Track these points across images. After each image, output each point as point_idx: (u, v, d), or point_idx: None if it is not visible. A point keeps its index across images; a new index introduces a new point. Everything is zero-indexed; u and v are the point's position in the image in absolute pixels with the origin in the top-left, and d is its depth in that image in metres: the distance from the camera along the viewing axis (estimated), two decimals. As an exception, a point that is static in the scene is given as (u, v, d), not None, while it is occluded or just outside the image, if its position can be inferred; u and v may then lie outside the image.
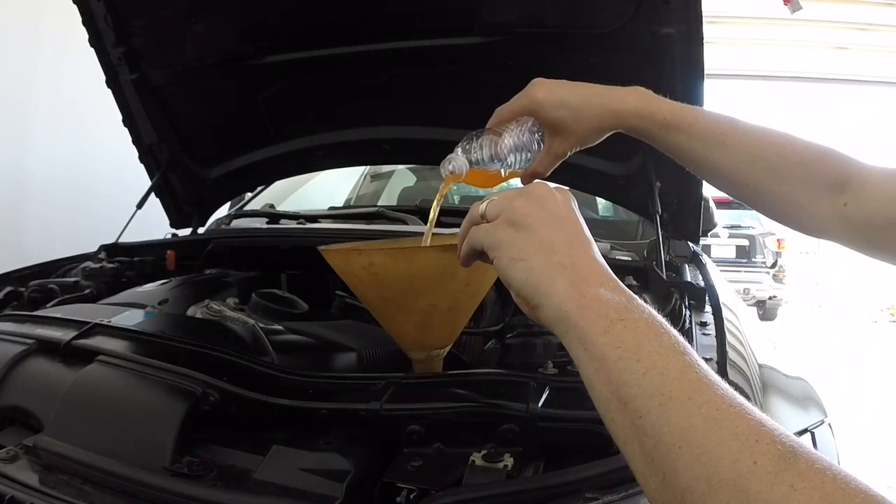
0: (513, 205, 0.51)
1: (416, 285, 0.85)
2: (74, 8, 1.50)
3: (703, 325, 1.07)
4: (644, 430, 0.38)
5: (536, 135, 0.75)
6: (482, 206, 0.53)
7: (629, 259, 1.50)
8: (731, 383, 0.73)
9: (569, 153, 0.76)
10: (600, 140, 0.76)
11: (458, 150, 0.75)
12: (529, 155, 0.76)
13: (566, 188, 0.54)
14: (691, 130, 0.70)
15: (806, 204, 0.65)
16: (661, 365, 0.39)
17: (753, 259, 8.01)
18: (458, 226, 0.58)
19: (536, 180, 0.55)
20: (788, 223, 0.70)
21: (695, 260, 1.52)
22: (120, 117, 1.69)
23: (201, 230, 1.91)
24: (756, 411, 0.36)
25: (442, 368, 0.96)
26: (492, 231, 0.51)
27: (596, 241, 0.51)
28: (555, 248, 0.47)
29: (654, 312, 0.44)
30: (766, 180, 0.67)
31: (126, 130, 1.72)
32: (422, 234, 0.85)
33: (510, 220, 0.50)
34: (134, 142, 1.74)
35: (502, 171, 0.76)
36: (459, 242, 0.57)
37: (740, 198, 0.72)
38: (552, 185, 0.54)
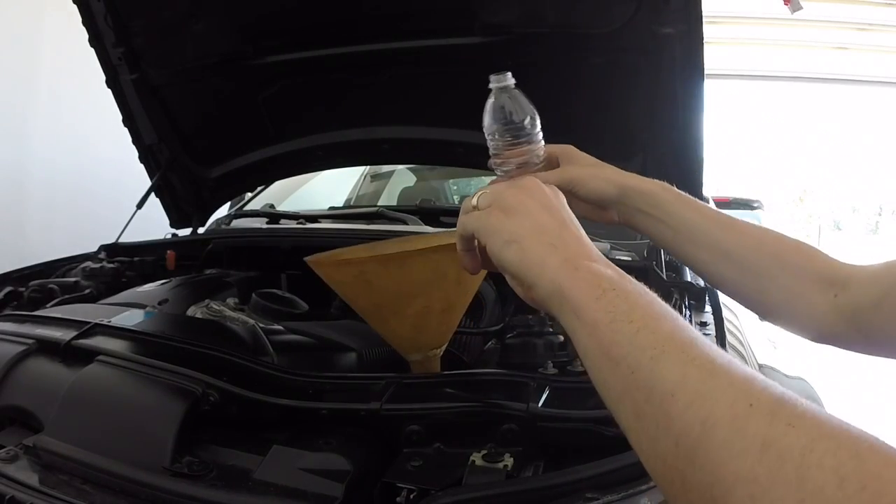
0: (504, 193, 0.53)
1: (409, 289, 0.85)
2: (74, 8, 1.50)
3: (703, 325, 1.07)
4: (636, 384, 0.38)
5: None
6: (474, 198, 0.55)
7: (629, 259, 1.50)
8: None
9: None
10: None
11: None
12: None
13: (555, 186, 0.56)
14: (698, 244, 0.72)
15: (802, 296, 0.67)
16: (654, 325, 0.40)
17: (753, 259, 8.00)
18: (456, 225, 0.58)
19: (527, 175, 0.57)
20: (788, 320, 0.70)
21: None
22: (120, 117, 1.69)
23: (201, 230, 1.91)
24: (748, 367, 0.36)
25: (440, 367, 0.96)
26: (483, 218, 0.52)
27: (596, 241, 0.52)
28: (545, 230, 0.49)
29: (646, 287, 0.44)
30: (771, 264, 0.68)
31: (126, 130, 1.72)
32: (412, 232, 0.85)
33: (501, 207, 0.52)
34: (134, 142, 1.74)
35: None
36: (457, 239, 0.58)
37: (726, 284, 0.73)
38: None
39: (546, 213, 0.51)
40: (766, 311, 0.71)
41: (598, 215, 0.77)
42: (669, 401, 0.36)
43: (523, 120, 0.70)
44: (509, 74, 0.71)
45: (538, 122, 0.71)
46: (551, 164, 0.75)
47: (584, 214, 0.77)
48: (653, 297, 0.43)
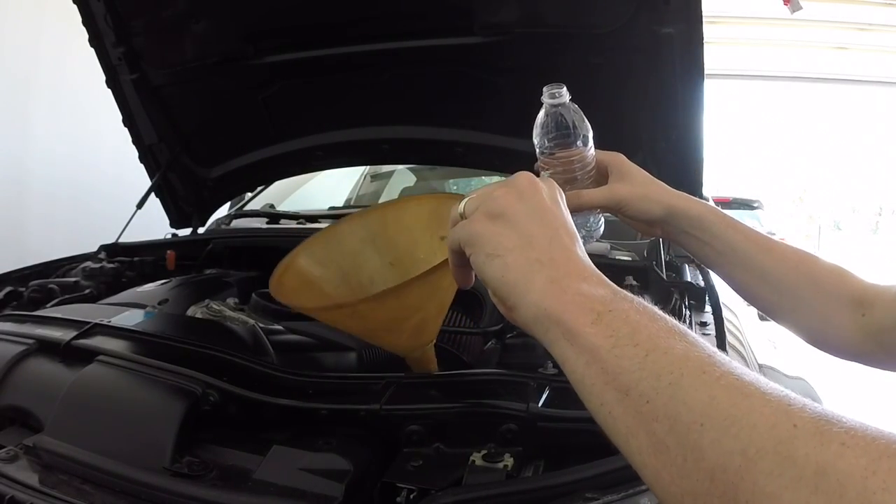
0: (492, 196, 0.46)
1: (406, 314, 0.83)
2: (74, 8, 1.50)
3: (703, 325, 1.07)
4: (654, 415, 0.33)
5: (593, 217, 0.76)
6: (461, 205, 0.49)
7: (629, 259, 1.50)
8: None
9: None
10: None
11: None
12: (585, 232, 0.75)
13: (552, 180, 0.51)
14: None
15: (833, 317, 0.68)
16: (664, 345, 0.35)
17: (753, 259, 7.98)
18: None
19: (522, 171, 0.50)
20: (822, 341, 0.71)
21: (695, 260, 1.52)
22: (120, 117, 1.69)
23: (201, 230, 1.91)
24: (774, 383, 0.33)
25: (436, 356, 0.94)
26: (468, 225, 0.46)
27: (596, 240, 0.51)
28: (533, 243, 0.44)
29: (644, 302, 0.40)
30: (806, 286, 0.70)
31: (126, 130, 1.72)
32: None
33: (488, 212, 0.46)
34: (134, 142, 1.74)
35: None
36: (448, 253, 0.52)
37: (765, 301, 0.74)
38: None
39: (537, 220, 0.45)
40: (804, 333, 0.72)
41: (643, 230, 0.78)
42: (698, 431, 0.31)
43: (575, 138, 0.70)
44: (564, 89, 0.70)
45: (591, 138, 0.71)
46: (600, 171, 0.75)
47: (636, 228, 0.78)
48: (654, 312, 0.38)
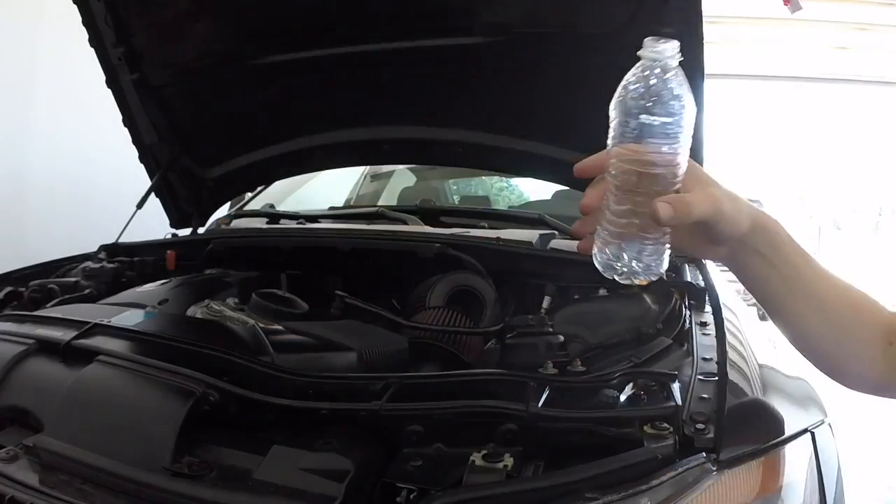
0: None
1: None
2: (74, 8, 1.50)
3: (703, 325, 1.06)
4: None
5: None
6: None
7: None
8: (730, 383, 0.73)
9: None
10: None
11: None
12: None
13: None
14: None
15: (869, 347, 0.65)
16: None
17: (753, 259, 7.98)
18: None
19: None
20: (850, 373, 0.67)
21: (695, 260, 1.52)
22: (120, 117, 1.69)
23: (201, 230, 1.91)
24: None
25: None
26: None
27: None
28: None
29: None
30: (850, 316, 0.66)
31: (126, 130, 1.72)
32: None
33: None
34: (134, 142, 1.74)
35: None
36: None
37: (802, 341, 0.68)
38: None
39: None
40: (828, 362, 0.68)
41: (706, 250, 0.63)
42: None
43: (677, 119, 0.47)
44: (676, 44, 0.47)
45: (692, 125, 0.48)
46: None
47: (687, 249, 0.62)
48: None
